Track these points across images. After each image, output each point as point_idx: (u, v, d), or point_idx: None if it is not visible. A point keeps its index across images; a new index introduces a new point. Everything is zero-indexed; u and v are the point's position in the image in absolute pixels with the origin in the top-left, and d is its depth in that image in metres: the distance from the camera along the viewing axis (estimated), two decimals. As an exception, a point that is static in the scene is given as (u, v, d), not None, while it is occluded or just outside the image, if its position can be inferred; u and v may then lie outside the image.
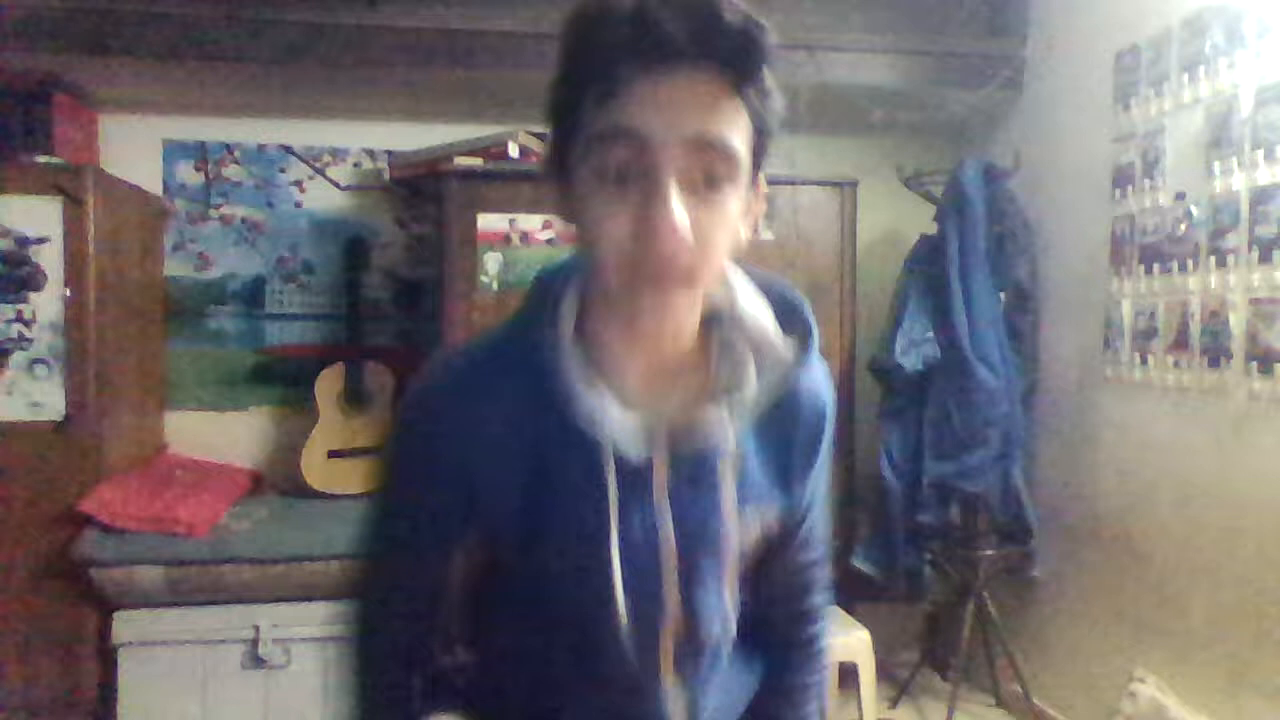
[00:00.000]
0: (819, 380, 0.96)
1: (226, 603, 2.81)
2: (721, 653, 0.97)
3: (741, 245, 0.84)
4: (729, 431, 0.87)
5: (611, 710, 0.93)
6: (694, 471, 0.87)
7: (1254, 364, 2.20)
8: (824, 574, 1.05)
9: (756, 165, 0.82)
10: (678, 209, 0.75)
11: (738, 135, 0.78)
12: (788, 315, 0.92)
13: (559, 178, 0.84)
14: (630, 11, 0.74)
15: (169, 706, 2.79)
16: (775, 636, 1.05)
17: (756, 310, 0.90)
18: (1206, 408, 2.37)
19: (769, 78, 0.80)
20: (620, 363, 0.86)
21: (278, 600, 2.83)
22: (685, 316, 0.85)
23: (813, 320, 0.94)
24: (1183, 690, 2.42)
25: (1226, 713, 2.28)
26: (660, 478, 0.86)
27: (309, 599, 2.84)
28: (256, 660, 2.81)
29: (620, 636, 0.88)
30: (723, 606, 0.92)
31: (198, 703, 2.80)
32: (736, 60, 0.76)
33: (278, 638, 2.82)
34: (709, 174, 0.77)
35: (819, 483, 1.00)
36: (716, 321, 0.89)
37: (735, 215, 0.80)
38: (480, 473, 0.87)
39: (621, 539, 0.85)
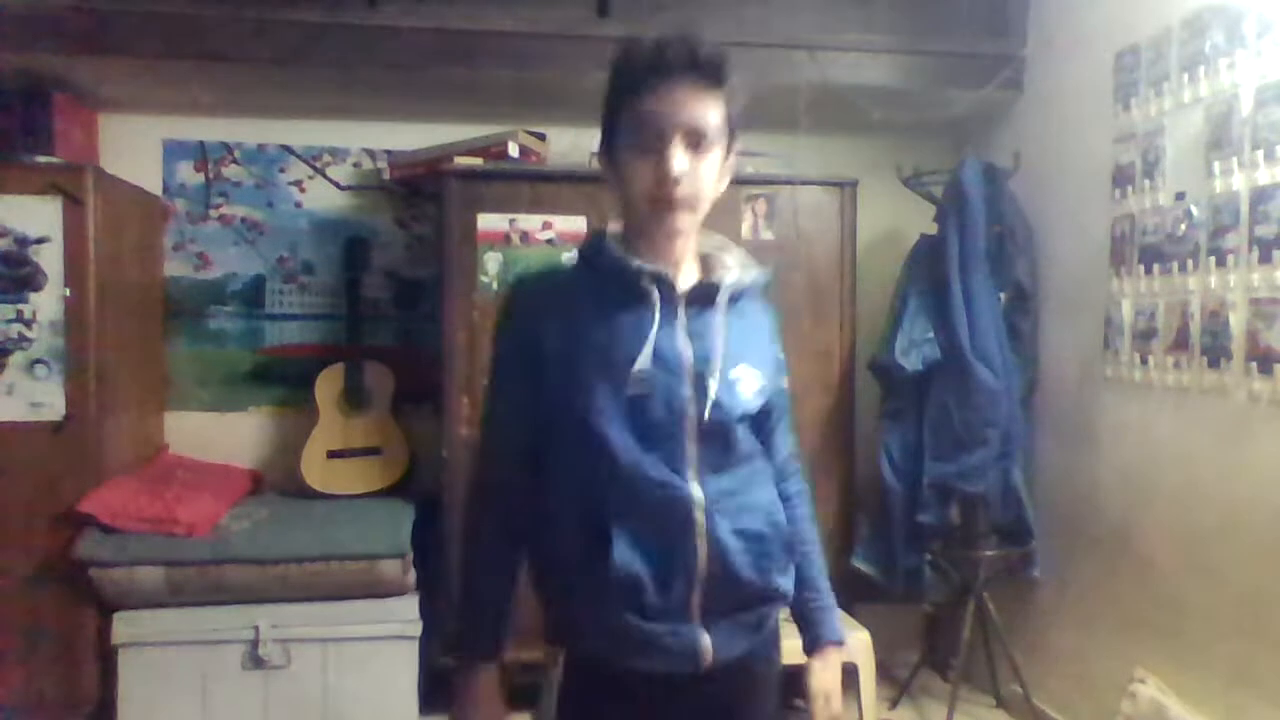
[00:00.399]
0: (769, 311, 1.45)
1: (226, 603, 2.82)
2: (731, 448, 1.31)
3: (720, 190, 1.32)
4: (721, 293, 1.32)
5: (652, 491, 1.24)
6: (701, 313, 1.31)
7: (1254, 364, 2.20)
8: (790, 442, 1.53)
9: (730, 139, 1.30)
10: (679, 160, 1.23)
11: (714, 119, 1.26)
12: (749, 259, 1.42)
13: (608, 154, 1.32)
14: (650, 47, 1.25)
15: (169, 706, 2.80)
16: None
17: (732, 249, 1.41)
18: (1206, 408, 2.37)
19: (733, 84, 1.27)
20: (648, 261, 1.31)
21: (278, 600, 2.83)
22: (687, 233, 1.31)
23: (765, 267, 1.43)
24: (1183, 690, 2.42)
25: (1226, 712, 2.28)
26: (682, 317, 1.30)
27: (309, 599, 2.85)
28: (256, 660, 2.81)
29: (657, 413, 1.25)
30: (724, 405, 1.28)
31: (198, 703, 2.81)
32: (710, 74, 1.25)
33: (278, 638, 2.82)
34: (697, 141, 1.25)
35: (778, 382, 1.45)
36: (709, 249, 1.39)
37: (715, 167, 1.29)
38: (552, 330, 1.28)
39: (656, 352, 1.26)
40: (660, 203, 1.25)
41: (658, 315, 1.27)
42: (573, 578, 1.26)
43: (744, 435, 1.33)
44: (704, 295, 1.31)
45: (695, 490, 1.24)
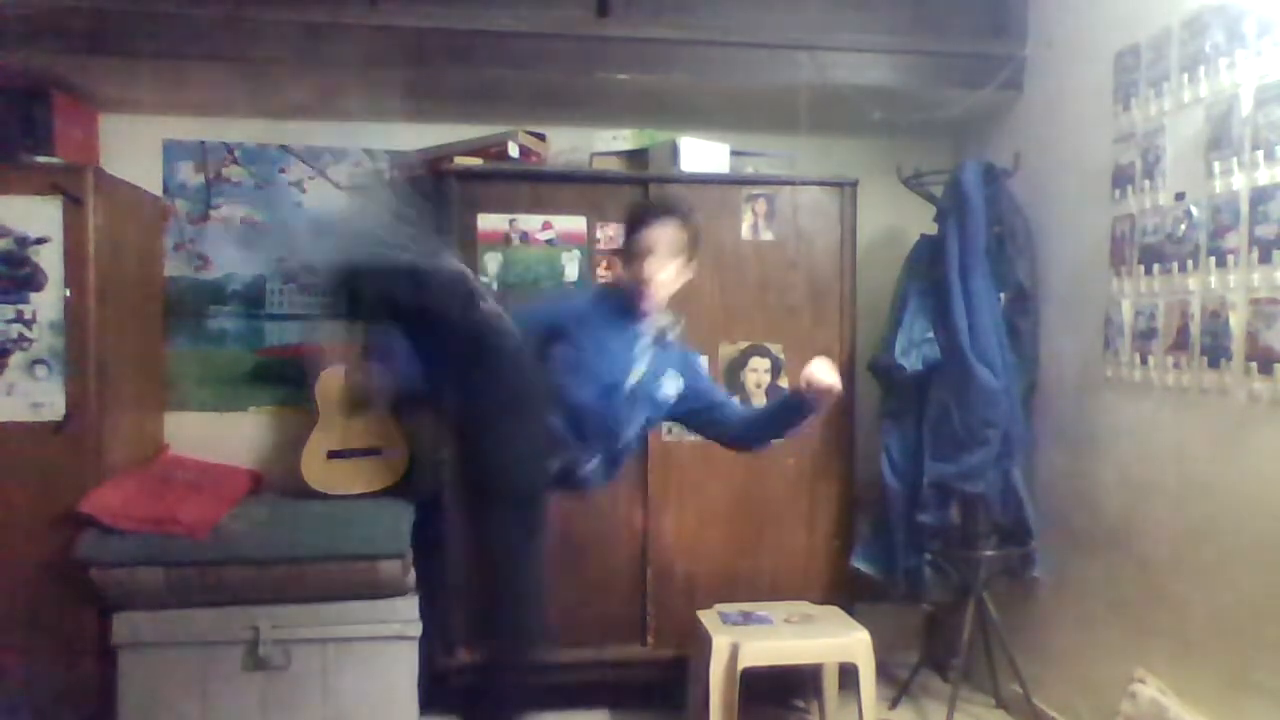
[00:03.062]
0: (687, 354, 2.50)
1: (226, 603, 2.82)
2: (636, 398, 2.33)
3: (688, 278, 2.40)
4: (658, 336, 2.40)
5: (598, 412, 2.25)
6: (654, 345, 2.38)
7: (1254, 364, 2.20)
8: (725, 400, 2.53)
9: (691, 252, 2.36)
10: (659, 266, 2.30)
11: (680, 242, 2.32)
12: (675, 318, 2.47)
13: (626, 256, 2.35)
14: (647, 206, 2.54)
15: (169, 706, 2.80)
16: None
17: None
18: (1206, 408, 2.37)
19: (692, 223, 2.36)
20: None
21: (278, 600, 2.83)
22: (661, 299, 2.35)
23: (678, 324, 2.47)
24: (1183, 691, 2.42)
25: (1226, 713, 2.28)
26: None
27: (309, 599, 2.85)
28: (256, 661, 2.82)
29: (619, 385, 2.28)
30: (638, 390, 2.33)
31: (198, 703, 2.81)
32: (679, 219, 2.34)
33: (278, 638, 2.83)
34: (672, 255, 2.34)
35: (705, 382, 2.51)
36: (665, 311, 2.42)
37: (679, 270, 2.35)
38: (575, 319, 2.33)
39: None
40: (641, 286, 2.31)
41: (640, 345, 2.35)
42: None
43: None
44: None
45: (626, 405, 2.30)
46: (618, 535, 3.07)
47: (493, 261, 3.01)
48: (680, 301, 3.07)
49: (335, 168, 3.48)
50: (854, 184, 3.20)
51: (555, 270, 3.04)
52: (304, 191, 3.46)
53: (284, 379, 3.44)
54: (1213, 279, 2.34)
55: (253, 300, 3.44)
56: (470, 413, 2.01)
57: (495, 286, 3.01)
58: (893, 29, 3.17)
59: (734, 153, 3.21)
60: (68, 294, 2.78)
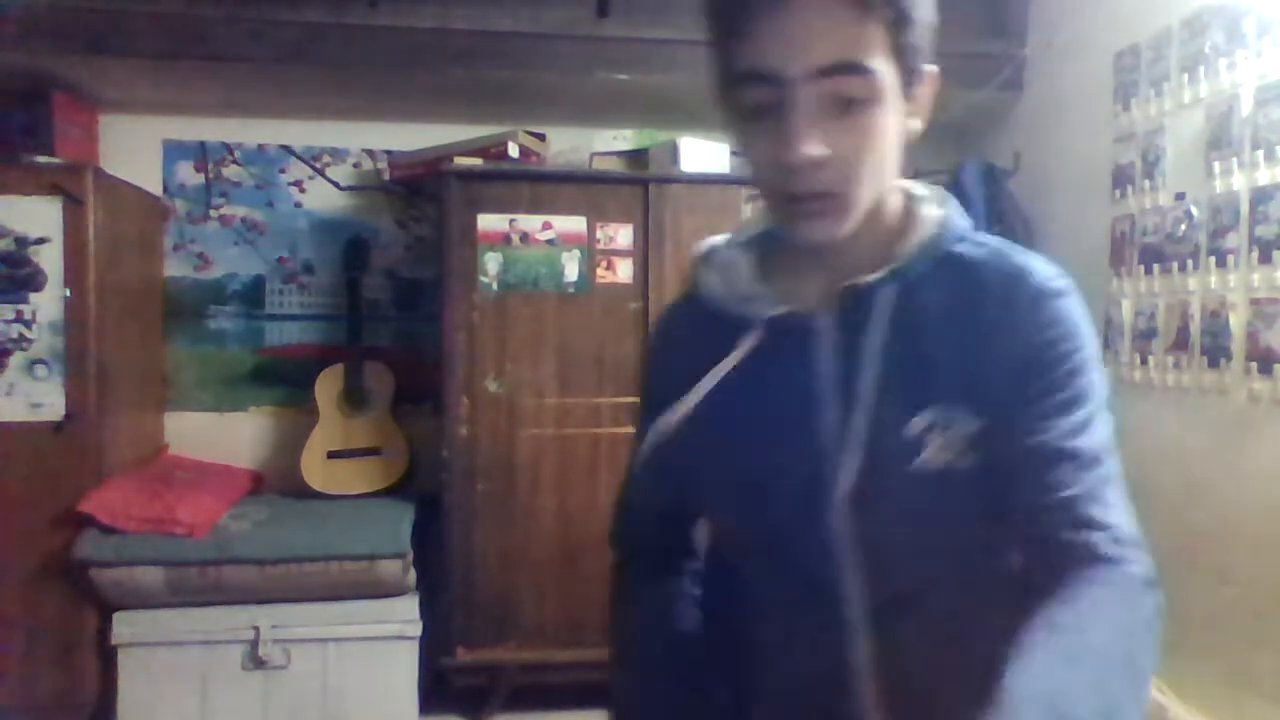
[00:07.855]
0: (1019, 262, 0.87)
1: (226, 603, 2.82)
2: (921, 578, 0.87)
3: (913, 138, 0.85)
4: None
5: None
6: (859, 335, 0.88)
7: (1254, 364, 2.20)
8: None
9: (908, 64, 0.80)
10: (808, 141, 0.77)
11: (874, 50, 0.77)
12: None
13: (724, 110, 0.85)
14: None
15: (169, 706, 2.80)
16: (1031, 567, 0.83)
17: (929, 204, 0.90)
18: (1206, 408, 2.37)
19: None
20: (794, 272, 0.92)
21: (278, 600, 2.83)
22: (849, 233, 0.83)
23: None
24: (1183, 690, 2.42)
25: (1226, 713, 2.28)
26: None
27: (309, 599, 2.85)
28: (256, 660, 2.81)
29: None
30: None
31: (198, 703, 2.81)
32: None
33: (278, 638, 2.82)
34: (848, 98, 0.77)
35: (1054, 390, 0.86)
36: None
37: (887, 130, 0.80)
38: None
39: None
40: (790, 206, 0.83)
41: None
42: None
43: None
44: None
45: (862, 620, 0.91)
46: (618, 535, 3.07)
47: (493, 261, 3.01)
48: (680, 301, 3.10)
49: (335, 168, 3.48)
50: (854, 184, 3.19)
51: (555, 270, 3.04)
52: (303, 191, 3.46)
53: (284, 379, 3.44)
54: (1213, 279, 2.34)
55: (253, 300, 3.44)
56: None
57: (495, 287, 3.00)
58: (893, 29, 3.17)
59: (734, 153, 3.21)
60: (68, 294, 2.78)
